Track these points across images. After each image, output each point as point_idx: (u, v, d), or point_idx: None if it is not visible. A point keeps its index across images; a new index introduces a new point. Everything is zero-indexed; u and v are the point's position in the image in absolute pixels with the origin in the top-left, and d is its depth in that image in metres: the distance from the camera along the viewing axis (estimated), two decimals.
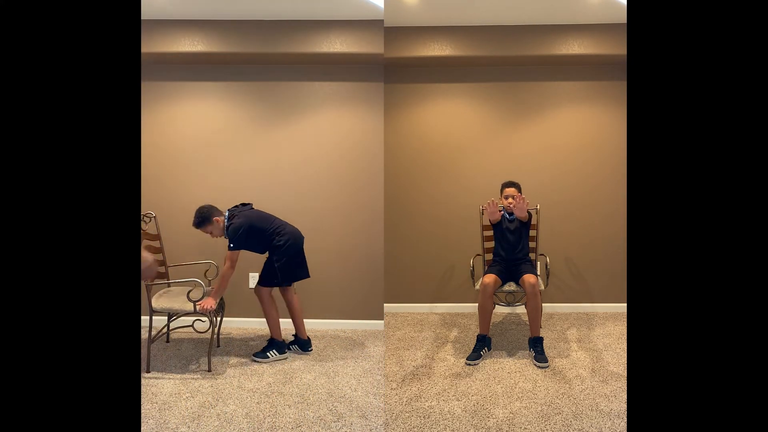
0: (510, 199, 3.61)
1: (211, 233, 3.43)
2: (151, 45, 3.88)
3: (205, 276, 3.80)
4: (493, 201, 3.53)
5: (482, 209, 3.97)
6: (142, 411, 2.71)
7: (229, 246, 3.28)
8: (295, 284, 3.61)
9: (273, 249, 3.42)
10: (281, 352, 3.45)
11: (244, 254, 3.82)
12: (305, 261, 3.56)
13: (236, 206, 3.48)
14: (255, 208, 3.54)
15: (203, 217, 3.38)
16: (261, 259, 3.57)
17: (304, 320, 3.65)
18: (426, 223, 4.51)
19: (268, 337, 3.55)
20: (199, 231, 3.45)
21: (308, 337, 3.62)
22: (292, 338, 3.61)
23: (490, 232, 3.81)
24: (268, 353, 3.43)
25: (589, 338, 3.78)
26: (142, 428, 2.55)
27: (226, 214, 3.41)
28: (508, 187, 3.65)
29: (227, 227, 3.35)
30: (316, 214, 4.18)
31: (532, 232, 3.77)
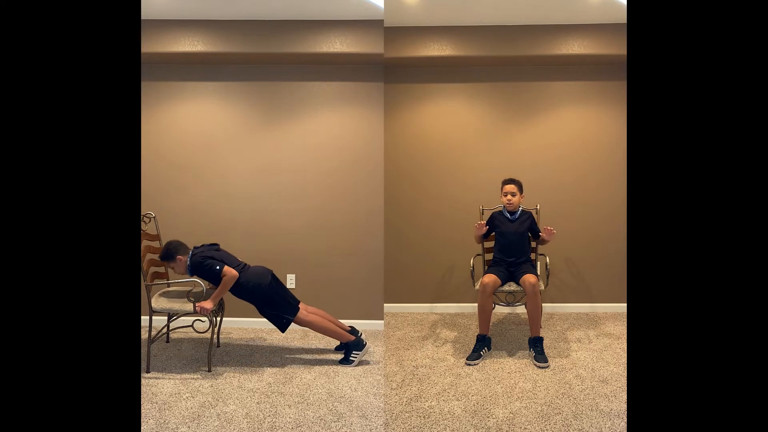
0: (509, 197, 3.62)
1: (173, 269, 3.44)
2: (151, 45, 3.88)
3: None
4: (480, 224, 3.56)
5: (482, 209, 3.97)
6: (142, 411, 2.71)
7: (214, 269, 3.22)
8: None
9: (247, 297, 3.34)
10: (360, 348, 3.38)
11: (245, 255, 3.82)
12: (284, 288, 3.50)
13: (201, 246, 3.46)
14: (222, 249, 3.53)
15: (168, 253, 3.36)
16: (263, 256, 3.56)
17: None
18: (426, 223, 4.51)
19: (337, 344, 3.55)
20: (200, 231, 3.44)
21: (357, 335, 3.45)
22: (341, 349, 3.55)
23: (492, 233, 3.81)
24: (351, 357, 3.37)
25: (589, 338, 3.78)
26: (142, 428, 2.54)
27: (190, 252, 3.38)
28: (508, 184, 3.65)
29: (192, 261, 3.31)
30: (316, 214, 4.17)
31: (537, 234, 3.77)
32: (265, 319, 3.45)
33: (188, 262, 3.34)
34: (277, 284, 3.43)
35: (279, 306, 3.34)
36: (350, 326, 3.53)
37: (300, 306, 3.42)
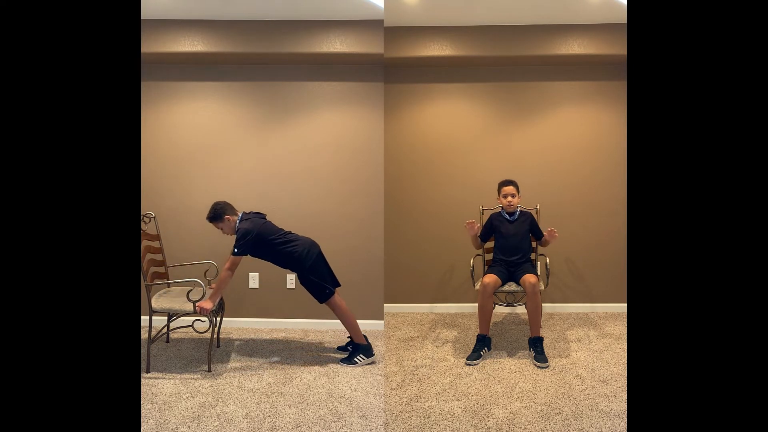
0: (509, 198, 3.62)
1: (221, 229, 3.43)
2: (151, 45, 3.88)
3: (205, 276, 3.80)
4: (471, 222, 3.55)
5: (482, 209, 3.97)
6: (142, 411, 2.71)
7: (233, 250, 3.26)
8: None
9: (295, 263, 3.36)
10: (368, 355, 3.38)
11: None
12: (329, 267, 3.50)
13: (251, 212, 3.46)
14: (267, 219, 3.51)
15: (216, 213, 3.37)
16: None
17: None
18: (426, 223, 4.51)
19: (345, 342, 3.53)
20: (200, 230, 3.44)
21: (368, 342, 3.44)
22: (348, 341, 3.55)
23: (491, 236, 3.81)
24: (355, 358, 3.36)
25: (589, 338, 3.78)
26: (142, 428, 2.54)
27: (240, 215, 3.40)
28: (506, 185, 3.65)
29: (237, 229, 3.34)
30: (316, 214, 4.17)
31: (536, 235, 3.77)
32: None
33: (237, 224, 3.33)
34: (324, 258, 3.45)
35: (323, 277, 3.38)
36: (367, 341, 3.50)
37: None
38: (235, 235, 3.30)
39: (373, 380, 3.12)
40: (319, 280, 3.36)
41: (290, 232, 3.46)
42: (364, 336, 3.43)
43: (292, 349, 3.69)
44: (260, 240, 3.29)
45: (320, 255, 3.43)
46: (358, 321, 3.44)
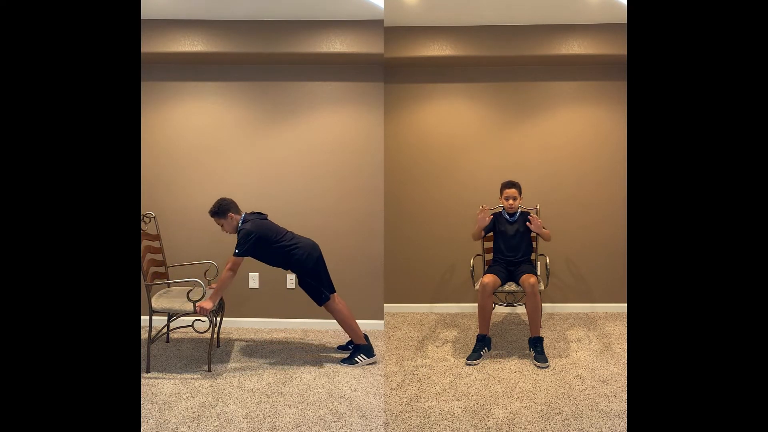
0: (511, 201, 3.62)
1: (222, 226, 3.42)
2: (151, 45, 3.88)
3: (205, 276, 3.80)
4: (485, 207, 3.53)
5: (482, 208, 3.97)
6: (142, 411, 2.71)
7: (235, 251, 3.25)
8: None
9: (295, 265, 3.37)
10: (369, 355, 3.38)
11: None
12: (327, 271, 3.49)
13: (252, 212, 3.46)
14: (269, 219, 3.51)
15: (221, 209, 3.36)
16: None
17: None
18: (426, 223, 4.51)
19: (345, 342, 3.53)
20: (200, 230, 3.43)
21: (368, 342, 3.43)
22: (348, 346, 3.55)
23: (491, 232, 3.81)
24: (356, 358, 3.36)
25: (589, 338, 3.78)
26: (142, 428, 2.54)
27: (243, 215, 3.39)
28: (508, 188, 3.65)
29: (239, 230, 3.33)
30: (316, 214, 4.17)
31: (532, 233, 3.76)
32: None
33: (240, 224, 3.33)
34: (323, 261, 3.45)
35: (321, 280, 3.38)
36: (364, 334, 3.50)
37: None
38: (236, 235, 3.30)
39: (373, 380, 3.12)
40: (317, 284, 3.36)
41: (291, 233, 3.45)
42: (365, 336, 3.43)
43: (292, 349, 3.69)
44: (261, 242, 3.29)
45: (320, 258, 3.43)
46: (358, 321, 3.45)
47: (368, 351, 3.39)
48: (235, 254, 3.23)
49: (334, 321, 3.82)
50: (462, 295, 4.49)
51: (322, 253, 3.46)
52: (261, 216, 3.47)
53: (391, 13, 3.90)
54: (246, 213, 3.43)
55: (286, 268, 3.46)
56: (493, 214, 3.75)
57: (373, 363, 3.37)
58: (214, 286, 3.42)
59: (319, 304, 3.40)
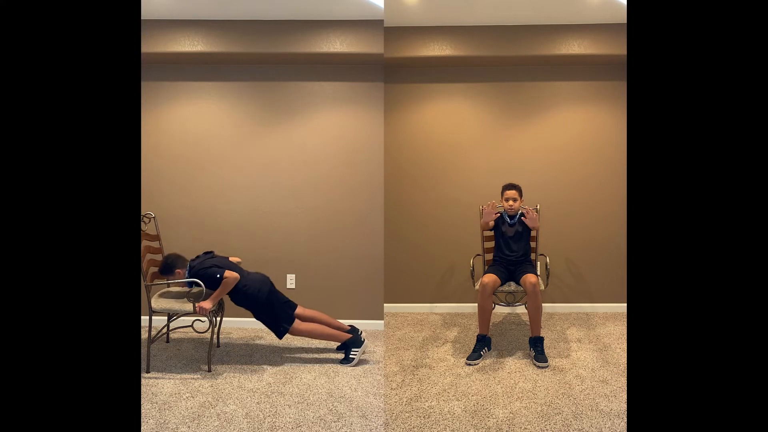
0: (510, 202, 3.62)
1: (169, 285, 3.45)
2: (151, 45, 3.88)
3: None
4: (492, 203, 3.54)
5: (482, 209, 3.97)
6: (142, 411, 2.71)
7: (216, 275, 3.22)
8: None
9: (247, 303, 3.34)
10: (359, 345, 3.39)
11: (245, 255, 3.82)
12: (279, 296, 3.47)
13: (197, 257, 3.46)
14: (216, 254, 3.53)
15: (167, 267, 3.36)
16: (263, 256, 3.55)
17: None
18: (426, 223, 4.51)
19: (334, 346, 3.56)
20: (200, 230, 3.43)
21: (353, 333, 3.43)
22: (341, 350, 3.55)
23: (491, 232, 3.81)
24: (350, 355, 3.37)
25: (589, 338, 3.78)
26: (142, 428, 2.54)
27: (188, 264, 3.38)
28: (509, 189, 3.66)
29: (191, 270, 3.33)
30: (316, 214, 4.17)
31: (532, 232, 3.77)
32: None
33: (186, 276, 3.34)
34: (275, 292, 3.44)
35: (276, 314, 3.35)
36: (350, 326, 3.53)
37: (297, 311, 3.42)
38: (199, 274, 3.28)
39: (373, 380, 3.12)
40: (272, 319, 3.34)
41: (240, 268, 3.43)
42: (349, 328, 3.45)
43: (292, 349, 3.69)
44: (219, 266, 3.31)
45: (272, 291, 3.39)
46: (358, 321, 3.44)
47: (356, 342, 3.40)
48: (222, 276, 3.21)
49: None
50: (462, 295, 4.49)
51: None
52: (207, 254, 3.49)
53: (391, 13, 3.90)
54: (191, 260, 3.42)
55: (238, 305, 3.40)
56: (497, 213, 3.75)
57: (366, 349, 3.38)
58: None
59: (280, 338, 3.39)
